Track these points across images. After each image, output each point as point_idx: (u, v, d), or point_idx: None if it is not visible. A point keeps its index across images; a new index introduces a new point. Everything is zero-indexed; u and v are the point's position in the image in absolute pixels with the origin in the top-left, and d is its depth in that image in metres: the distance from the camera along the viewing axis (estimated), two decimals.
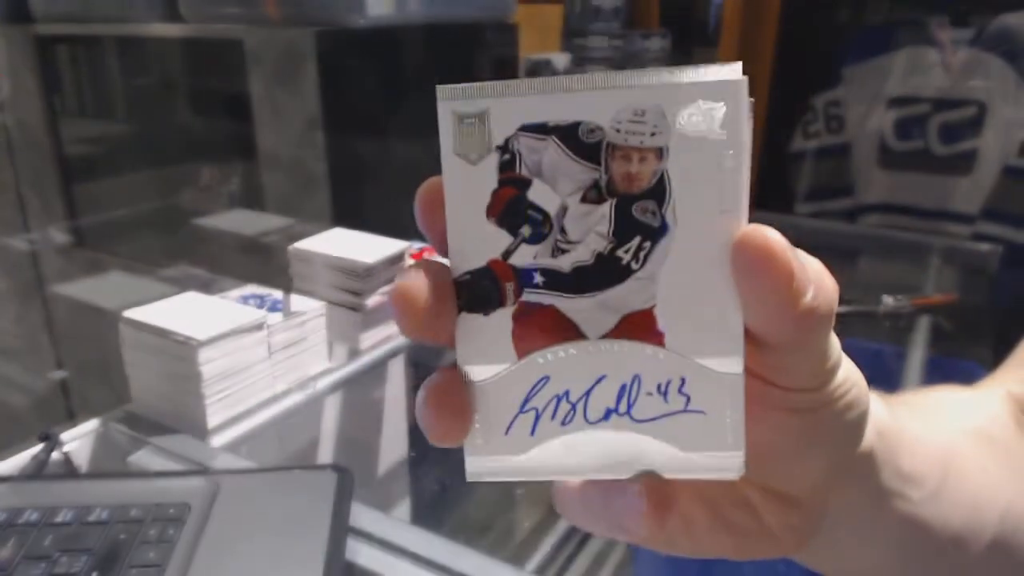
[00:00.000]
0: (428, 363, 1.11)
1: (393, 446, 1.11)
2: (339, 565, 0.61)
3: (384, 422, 1.10)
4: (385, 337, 1.04)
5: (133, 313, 0.84)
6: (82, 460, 0.82)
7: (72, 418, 1.93)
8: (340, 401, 1.01)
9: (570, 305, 0.23)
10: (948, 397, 0.40)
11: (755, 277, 0.21)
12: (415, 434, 1.13)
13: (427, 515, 1.14)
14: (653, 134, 0.21)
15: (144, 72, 1.85)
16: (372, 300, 0.99)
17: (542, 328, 0.23)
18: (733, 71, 0.21)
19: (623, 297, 0.22)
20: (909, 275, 1.53)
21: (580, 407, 0.23)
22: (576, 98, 0.22)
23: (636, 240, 0.22)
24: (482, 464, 0.24)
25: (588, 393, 0.23)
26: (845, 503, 0.29)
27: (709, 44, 2.49)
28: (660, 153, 0.21)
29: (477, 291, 0.23)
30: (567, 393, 0.23)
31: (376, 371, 1.03)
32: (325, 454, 1.01)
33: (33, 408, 1.91)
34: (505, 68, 1.80)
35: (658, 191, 0.22)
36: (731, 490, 0.28)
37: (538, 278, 0.23)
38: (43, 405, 1.92)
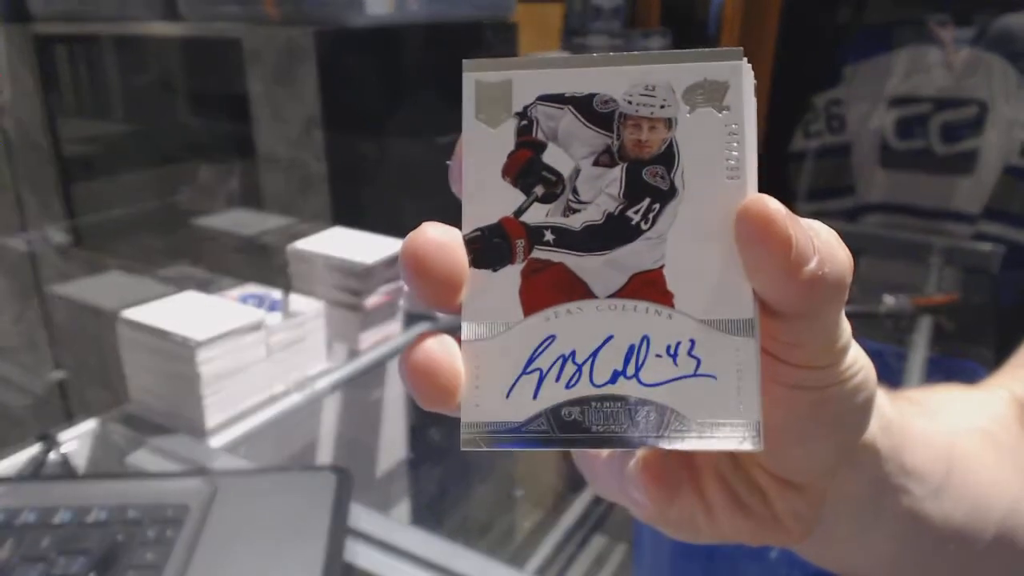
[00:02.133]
0: None
1: (392, 447, 1.11)
2: (338, 566, 0.61)
3: (383, 423, 1.09)
4: (384, 337, 1.04)
5: (131, 313, 0.84)
6: (80, 461, 0.82)
7: (70, 418, 1.93)
8: (339, 401, 1.01)
9: (579, 263, 0.23)
10: (951, 396, 0.40)
11: (755, 245, 0.21)
12: (414, 435, 1.13)
13: (426, 516, 1.14)
14: (663, 106, 0.23)
15: (143, 71, 1.84)
16: (371, 300, 0.99)
17: (551, 285, 0.23)
18: (733, 54, 0.22)
19: (632, 256, 0.23)
20: (910, 275, 1.54)
21: (586, 369, 0.23)
22: (592, 73, 0.23)
23: (646, 201, 0.23)
24: (478, 430, 0.23)
25: (595, 354, 0.23)
26: (847, 495, 0.29)
27: (710, 43, 2.49)
28: (669, 123, 0.23)
29: (488, 246, 0.23)
30: (573, 353, 0.23)
31: (375, 371, 1.03)
32: (324, 455, 1.01)
33: (31, 408, 1.91)
34: None
35: (667, 156, 0.23)
36: (744, 473, 0.28)
37: (549, 236, 0.23)
38: (41, 405, 1.92)
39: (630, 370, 0.23)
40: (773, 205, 0.21)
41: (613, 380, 0.23)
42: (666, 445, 0.23)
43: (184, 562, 0.60)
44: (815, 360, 0.24)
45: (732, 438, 0.22)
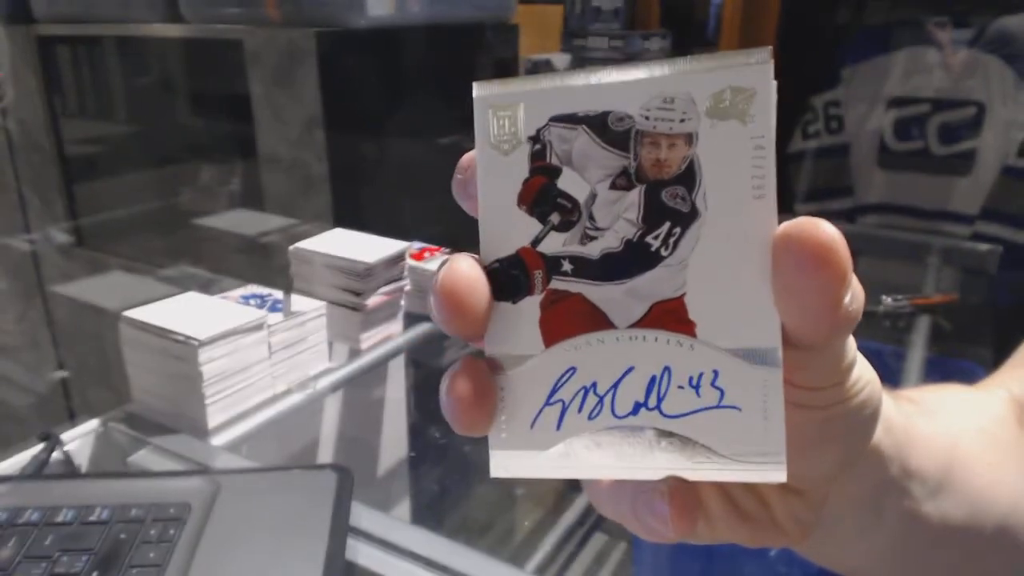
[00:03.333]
0: (428, 363, 1.12)
1: (393, 446, 1.11)
2: (339, 565, 0.61)
3: (384, 422, 1.10)
4: (385, 337, 1.04)
5: (134, 313, 0.84)
6: (83, 460, 0.82)
7: (73, 418, 1.93)
8: (340, 401, 1.01)
9: (598, 293, 0.23)
10: (951, 396, 0.39)
11: (806, 274, 0.20)
12: (415, 434, 1.13)
13: (427, 515, 1.14)
14: (682, 120, 0.21)
15: (145, 72, 1.85)
16: (372, 300, 0.99)
17: (570, 316, 0.23)
18: (760, 56, 0.21)
19: (652, 284, 0.22)
20: (908, 275, 1.53)
21: (608, 400, 0.23)
22: (606, 88, 0.22)
23: (666, 226, 0.22)
24: (507, 459, 0.23)
25: (616, 385, 0.23)
26: (848, 496, 0.29)
27: (709, 44, 2.49)
28: (689, 139, 0.21)
29: (506, 279, 0.23)
30: (594, 385, 0.23)
31: (376, 371, 1.03)
32: (325, 454, 1.01)
33: (34, 408, 1.91)
34: (505, 69, 1.80)
35: (688, 177, 0.21)
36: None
37: (567, 265, 0.23)
38: (44, 405, 1.92)
39: (652, 402, 0.22)
40: (831, 230, 0.20)
41: (635, 411, 0.23)
42: (690, 476, 0.23)
43: (186, 561, 0.60)
44: (821, 382, 0.24)
45: (758, 469, 0.22)
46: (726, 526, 0.28)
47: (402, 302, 1.06)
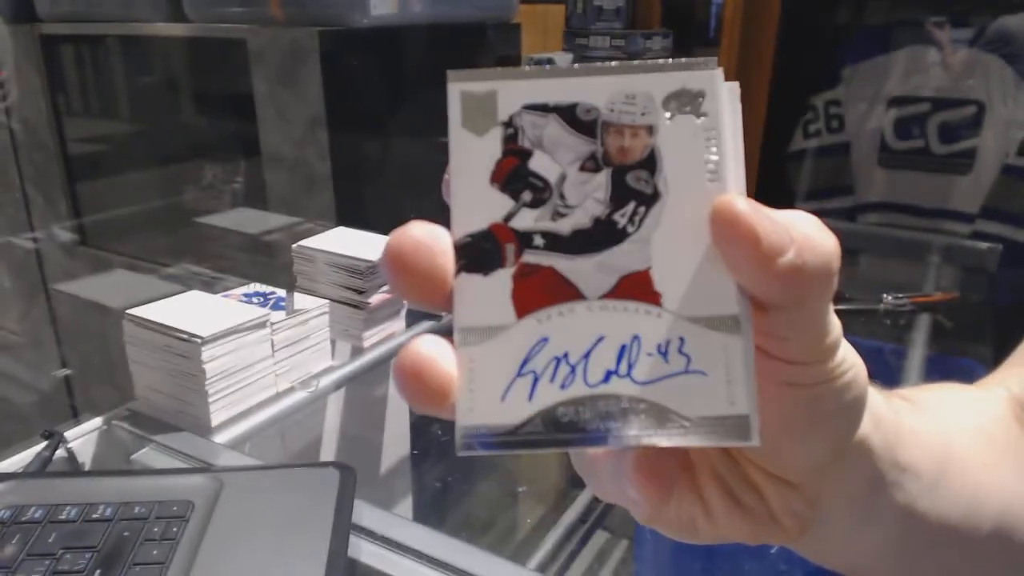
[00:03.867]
0: None
1: (396, 444, 1.12)
2: (341, 562, 0.61)
3: (387, 420, 1.10)
4: (388, 335, 1.04)
5: (137, 311, 0.84)
6: (86, 458, 0.82)
7: (76, 416, 1.94)
8: (343, 399, 1.01)
9: (569, 266, 0.23)
10: (949, 395, 0.40)
11: (726, 243, 0.22)
12: (417, 432, 1.13)
13: (429, 512, 1.14)
14: (643, 114, 0.23)
15: (148, 71, 1.85)
16: (375, 298, 1.00)
17: (542, 288, 0.23)
18: (710, 62, 0.23)
19: (620, 258, 0.23)
20: (909, 273, 1.54)
21: (580, 369, 0.23)
22: (574, 83, 0.24)
23: (631, 205, 0.23)
24: (475, 434, 0.23)
25: (587, 355, 0.23)
26: (842, 492, 0.30)
27: (710, 44, 2.50)
28: (650, 130, 0.23)
29: (478, 252, 0.23)
30: (566, 355, 0.23)
31: (379, 369, 1.03)
32: (328, 451, 1.02)
33: (37, 405, 1.91)
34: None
35: (650, 162, 0.23)
36: (741, 471, 0.28)
37: (538, 240, 0.24)
38: (47, 403, 1.92)
39: (623, 369, 0.23)
40: (738, 203, 0.22)
41: (606, 379, 0.23)
42: (660, 441, 0.23)
43: (189, 558, 0.60)
44: (804, 355, 0.25)
45: (724, 432, 0.23)
46: (726, 522, 0.28)
47: (404, 300, 1.06)
